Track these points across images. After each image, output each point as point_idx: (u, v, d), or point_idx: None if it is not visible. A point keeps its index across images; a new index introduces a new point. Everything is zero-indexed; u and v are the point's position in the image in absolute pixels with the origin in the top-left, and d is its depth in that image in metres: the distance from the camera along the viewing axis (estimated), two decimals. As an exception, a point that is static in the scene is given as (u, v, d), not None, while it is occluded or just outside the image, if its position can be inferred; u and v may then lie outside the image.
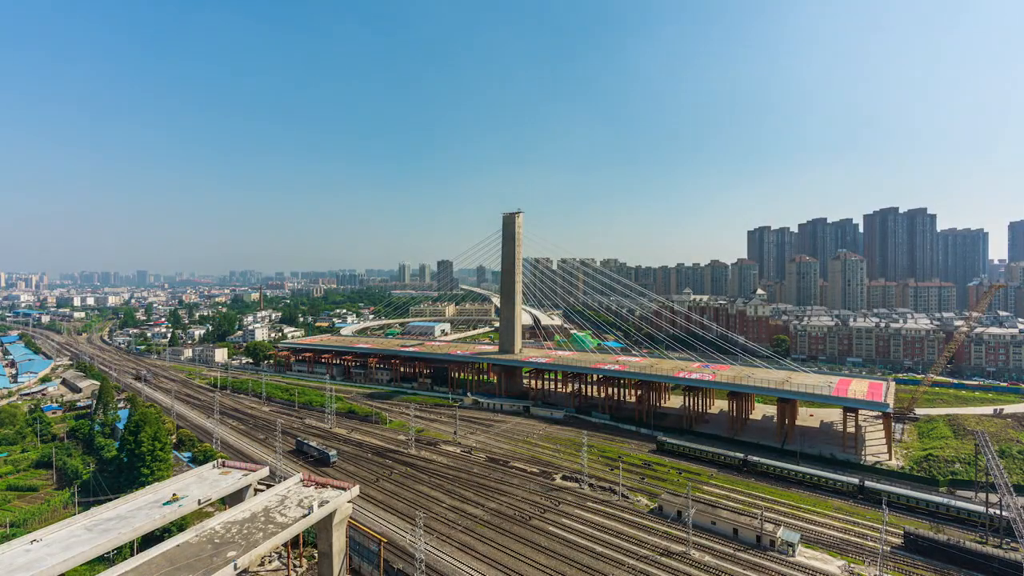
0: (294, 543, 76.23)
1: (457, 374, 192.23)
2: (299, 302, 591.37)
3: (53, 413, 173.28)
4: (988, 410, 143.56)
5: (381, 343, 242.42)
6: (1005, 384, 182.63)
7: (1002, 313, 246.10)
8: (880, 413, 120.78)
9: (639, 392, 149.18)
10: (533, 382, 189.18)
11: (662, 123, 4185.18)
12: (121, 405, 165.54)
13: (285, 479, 77.41)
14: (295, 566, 75.93)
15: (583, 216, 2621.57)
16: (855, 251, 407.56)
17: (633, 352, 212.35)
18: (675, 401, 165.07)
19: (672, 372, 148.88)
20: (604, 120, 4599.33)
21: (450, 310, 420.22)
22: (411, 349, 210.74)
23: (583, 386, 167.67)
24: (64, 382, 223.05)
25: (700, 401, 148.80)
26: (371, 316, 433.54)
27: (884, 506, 79.97)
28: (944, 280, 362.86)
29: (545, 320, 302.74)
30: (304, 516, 63.24)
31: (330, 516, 66.74)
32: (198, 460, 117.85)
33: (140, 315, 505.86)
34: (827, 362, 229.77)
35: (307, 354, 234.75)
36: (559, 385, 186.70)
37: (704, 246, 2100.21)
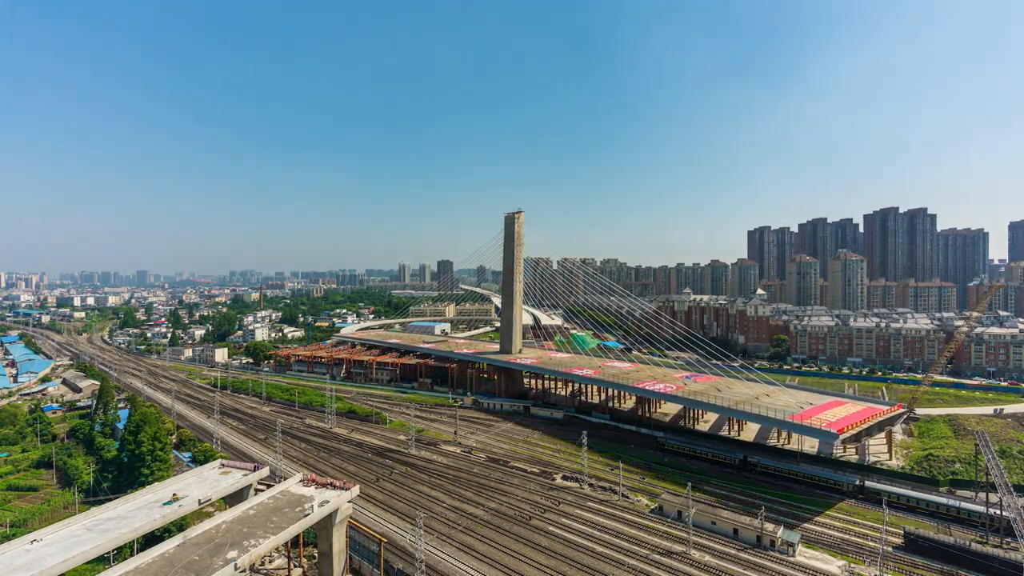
0: (294, 543, 76.24)
1: (457, 374, 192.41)
2: (299, 302, 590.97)
3: (53, 413, 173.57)
4: (988, 410, 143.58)
5: (407, 338, 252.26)
6: (1005, 384, 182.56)
7: (1002, 313, 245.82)
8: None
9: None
10: (533, 382, 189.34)
11: (663, 122, 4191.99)
12: (121, 405, 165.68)
13: (285, 479, 77.44)
14: (295, 565, 75.98)
15: (583, 216, 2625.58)
16: (855, 251, 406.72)
17: (632, 353, 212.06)
18: (675, 404, 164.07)
19: (634, 382, 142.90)
20: (606, 120, 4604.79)
21: (450, 310, 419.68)
22: (428, 346, 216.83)
23: (582, 387, 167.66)
24: (64, 382, 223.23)
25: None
26: (371, 316, 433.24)
27: (884, 506, 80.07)
28: (944, 280, 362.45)
29: (545, 320, 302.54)
30: (304, 516, 63.22)
31: (330, 516, 66.75)
32: (198, 460, 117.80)
33: (140, 315, 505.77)
34: (827, 362, 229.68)
35: (349, 348, 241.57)
36: (559, 386, 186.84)
37: (704, 246, 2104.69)
